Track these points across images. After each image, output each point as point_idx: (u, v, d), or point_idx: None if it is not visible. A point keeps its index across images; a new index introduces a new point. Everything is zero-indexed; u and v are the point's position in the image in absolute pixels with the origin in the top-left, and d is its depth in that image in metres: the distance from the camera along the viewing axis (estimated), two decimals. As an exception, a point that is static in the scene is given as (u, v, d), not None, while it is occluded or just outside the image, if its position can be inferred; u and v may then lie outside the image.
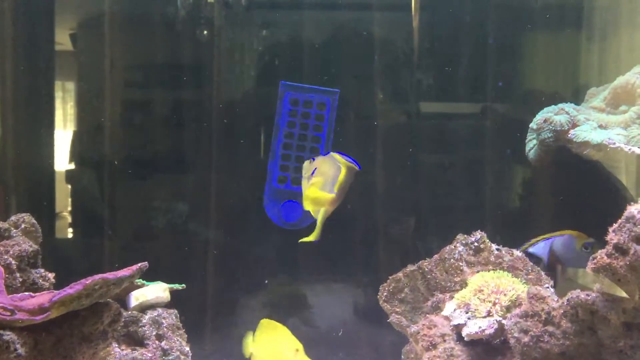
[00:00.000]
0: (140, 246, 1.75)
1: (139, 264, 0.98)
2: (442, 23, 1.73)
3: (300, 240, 1.24)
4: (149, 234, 1.75)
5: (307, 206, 1.25)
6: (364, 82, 1.73)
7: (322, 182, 1.24)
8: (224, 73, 1.74)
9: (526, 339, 1.05)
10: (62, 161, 1.78)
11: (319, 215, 1.21)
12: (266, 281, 1.71)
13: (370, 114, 1.73)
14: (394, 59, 1.74)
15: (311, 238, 1.23)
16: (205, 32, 1.73)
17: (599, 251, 0.98)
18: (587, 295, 1.00)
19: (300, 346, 1.21)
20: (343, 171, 1.20)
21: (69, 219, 1.80)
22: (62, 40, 1.76)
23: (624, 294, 0.99)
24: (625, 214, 0.96)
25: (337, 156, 1.22)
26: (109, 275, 0.93)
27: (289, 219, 1.47)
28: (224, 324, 1.71)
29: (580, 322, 1.01)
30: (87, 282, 0.91)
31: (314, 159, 1.27)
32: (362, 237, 1.73)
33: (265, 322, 1.26)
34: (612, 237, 0.96)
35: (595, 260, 0.97)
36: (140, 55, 1.80)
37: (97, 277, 0.92)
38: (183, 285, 1.32)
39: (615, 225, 0.97)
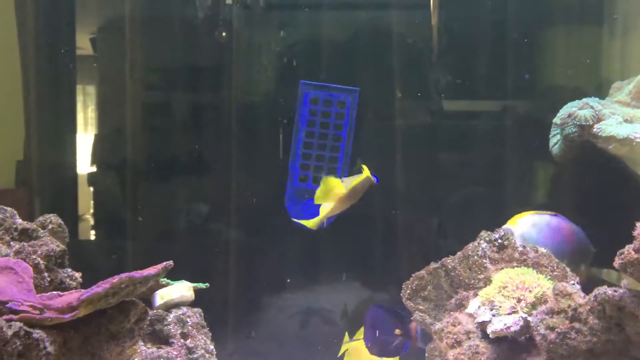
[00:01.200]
0: (162, 247, 1.77)
1: (165, 263, 0.99)
2: (461, 19, 1.72)
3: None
4: (171, 234, 1.76)
5: (318, 198, 1.28)
6: (383, 80, 1.73)
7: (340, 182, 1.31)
8: (243, 74, 1.75)
9: (552, 335, 1.03)
10: (85, 164, 1.81)
11: (325, 210, 1.26)
12: (288, 280, 1.72)
13: (391, 112, 1.72)
14: (412, 58, 1.74)
15: (309, 224, 1.27)
16: (223, 33, 1.74)
17: (627, 246, 0.96)
18: (615, 291, 0.99)
19: None
20: (361, 177, 1.25)
21: (92, 221, 1.82)
22: (83, 44, 1.79)
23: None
24: (654, 207, 0.94)
25: (364, 167, 1.29)
26: (136, 273, 0.94)
27: (310, 218, 1.47)
28: (246, 323, 1.72)
29: (607, 319, 1.00)
30: (114, 281, 0.92)
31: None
32: (384, 235, 1.73)
33: None
34: (640, 231, 0.95)
35: (622, 256, 0.96)
36: (159, 58, 1.81)
37: (124, 275, 0.93)
38: (207, 284, 1.33)
39: (643, 220, 0.95)
